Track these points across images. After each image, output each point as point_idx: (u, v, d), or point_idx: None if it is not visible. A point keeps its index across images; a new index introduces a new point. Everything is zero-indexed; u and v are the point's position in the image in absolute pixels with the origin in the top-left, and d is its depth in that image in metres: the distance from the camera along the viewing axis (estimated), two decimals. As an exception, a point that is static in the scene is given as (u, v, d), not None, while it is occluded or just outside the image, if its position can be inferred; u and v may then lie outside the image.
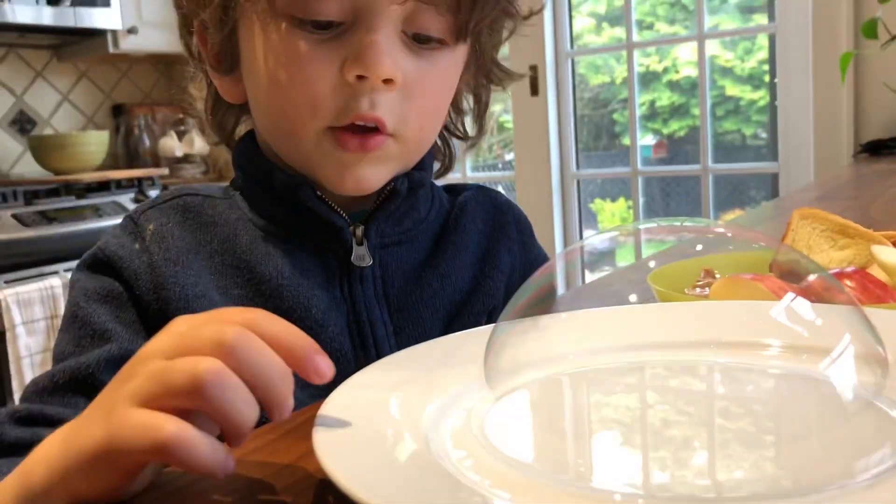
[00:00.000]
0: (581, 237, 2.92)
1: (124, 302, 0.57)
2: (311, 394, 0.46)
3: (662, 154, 3.23)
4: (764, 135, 2.97)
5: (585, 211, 3.00)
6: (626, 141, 2.75)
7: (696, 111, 2.57)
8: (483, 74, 0.67)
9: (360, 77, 0.53)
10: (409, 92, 0.56)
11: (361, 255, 0.61)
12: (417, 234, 0.65)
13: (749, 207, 2.93)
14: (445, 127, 0.70)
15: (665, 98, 3.23)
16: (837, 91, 2.15)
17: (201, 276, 0.58)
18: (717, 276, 0.63)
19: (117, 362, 0.52)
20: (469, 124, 0.71)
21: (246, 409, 0.32)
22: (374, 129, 0.56)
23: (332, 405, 0.38)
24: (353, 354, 0.58)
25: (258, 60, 0.56)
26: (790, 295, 0.43)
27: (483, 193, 0.72)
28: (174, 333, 0.35)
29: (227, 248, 0.60)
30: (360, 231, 0.61)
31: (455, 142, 0.72)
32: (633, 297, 0.62)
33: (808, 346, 0.42)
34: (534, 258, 0.72)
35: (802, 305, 0.43)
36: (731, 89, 3.18)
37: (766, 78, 2.87)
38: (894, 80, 1.74)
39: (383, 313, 0.61)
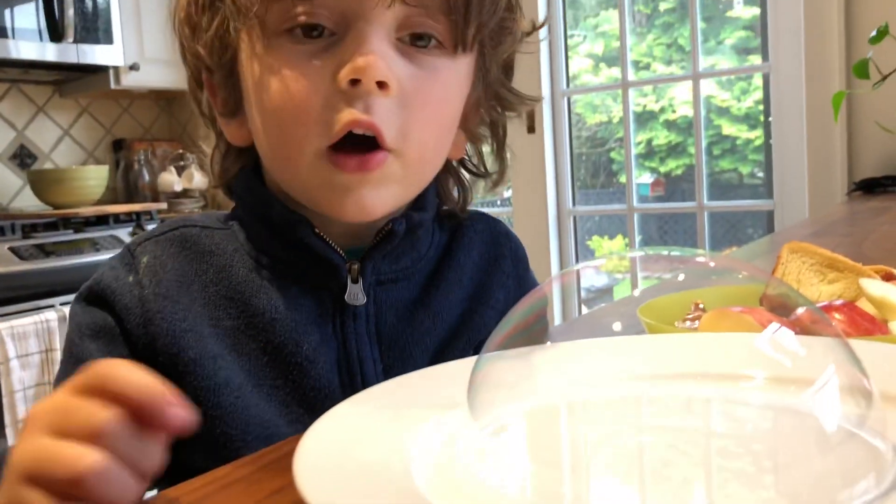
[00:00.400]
0: (578, 274, 2.91)
1: (115, 337, 0.57)
2: (298, 429, 0.45)
3: (660, 192, 3.24)
4: (760, 173, 2.99)
5: (583, 248, 3.01)
6: (624, 179, 2.77)
7: (692, 150, 2.59)
8: (492, 97, 0.64)
9: (353, 82, 0.52)
10: (407, 100, 0.54)
11: (355, 294, 0.60)
12: (415, 272, 0.64)
13: (745, 244, 2.94)
14: (462, 163, 0.69)
15: (662, 137, 3.26)
16: (831, 130, 2.17)
17: (191, 309, 0.57)
18: (707, 309, 0.63)
19: None
20: (488, 161, 0.69)
21: (126, 495, 0.34)
22: (373, 145, 0.54)
23: (314, 437, 0.38)
24: (342, 392, 0.58)
25: (255, 87, 0.56)
26: (774, 326, 0.43)
27: (483, 222, 0.71)
28: (56, 408, 0.36)
29: (222, 278, 0.60)
30: (355, 268, 0.60)
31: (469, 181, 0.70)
32: (621, 329, 0.62)
33: (793, 377, 0.42)
34: (527, 292, 0.72)
35: (789, 337, 0.43)
36: (728, 129, 3.21)
37: (762, 118, 2.90)
38: (886, 118, 1.75)
39: (374, 351, 0.60)
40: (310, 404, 0.57)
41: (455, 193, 0.69)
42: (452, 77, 0.58)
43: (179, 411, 0.35)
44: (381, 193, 0.56)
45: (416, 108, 0.55)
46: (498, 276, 0.69)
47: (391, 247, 0.61)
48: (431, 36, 0.55)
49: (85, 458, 0.33)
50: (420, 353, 0.61)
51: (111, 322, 0.57)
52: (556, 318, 2.67)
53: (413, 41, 0.55)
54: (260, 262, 0.61)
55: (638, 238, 2.81)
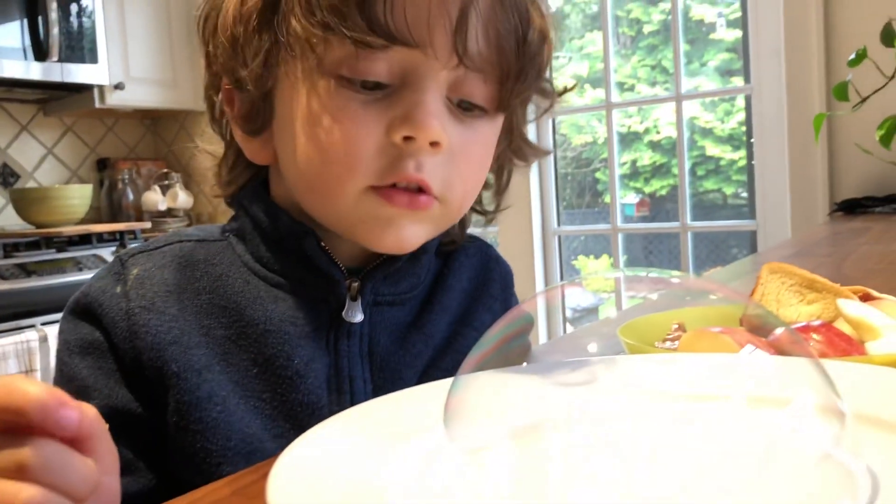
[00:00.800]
0: (564, 295, 2.92)
1: (104, 352, 0.57)
2: (282, 445, 0.45)
3: (645, 212, 3.27)
4: (744, 194, 3.02)
5: (568, 267, 3.02)
6: (608, 199, 2.79)
7: (677, 171, 2.61)
8: (512, 149, 0.67)
9: (406, 138, 0.53)
10: (453, 157, 0.56)
11: (353, 311, 0.60)
12: (412, 297, 0.64)
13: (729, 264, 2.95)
14: None
15: (647, 158, 3.29)
16: (812, 151, 2.19)
17: (179, 319, 0.57)
18: (688, 330, 0.64)
19: None
20: (486, 198, 0.71)
21: None
22: (418, 191, 0.56)
23: (288, 460, 0.37)
24: (329, 409, 0.58)
25: (298, 119, 0.56)
26: (749, 347, 0.43)
27: (475, 246, 0.72)
28: None
29: (216, 287, 0.59)
30: (355, 286, 0.60)
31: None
32: (601, 350, 0.62)
33: (768, 398, 0.42)
34: None
35: (765, 358, 0.44)
36: (712, 149, 3.24)
37: (745, 138, 2.93)
38: (866, 140, 1.77)
39: (365, 370, 0.60)
40: (296, 419, 0.56)
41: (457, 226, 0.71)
42: (491, 135, 0.61)
43: (69, 412, 0.34)
44: (419, 229, 0.58)
45: (460, 164, 0.57)
46: (485, 299, 0.69)
47: (393, 269, 0.62)
48: (478, 106, 0.58)
49: (20, 494, 0.33)
50: (411, 376, 0.61)
51: (99, 337, 0.57)
52: (542, 337, 2.67)
53: (459, 103, 0.57)
54: (257, 274, 0.60)
55: (623, 258, 2.82)
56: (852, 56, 1.68)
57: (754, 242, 2.47)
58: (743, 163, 3.07)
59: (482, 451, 0.41)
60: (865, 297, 0.62)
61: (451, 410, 0.41)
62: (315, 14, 0.52)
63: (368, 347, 0.60)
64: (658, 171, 3.28)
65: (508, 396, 0.45)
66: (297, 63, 0.54)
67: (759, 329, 0.54)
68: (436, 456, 0.39)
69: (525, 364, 0.50)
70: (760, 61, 2.33)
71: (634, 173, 3.30)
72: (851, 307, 0.57)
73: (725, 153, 3.21)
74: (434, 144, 0.54)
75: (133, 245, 2.53)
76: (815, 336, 0.55)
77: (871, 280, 0.98)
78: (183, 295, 0.58)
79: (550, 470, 0.39)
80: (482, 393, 0.43)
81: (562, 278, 2.92)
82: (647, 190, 3.32)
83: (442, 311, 0.65)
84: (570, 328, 3.01)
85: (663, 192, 3.25)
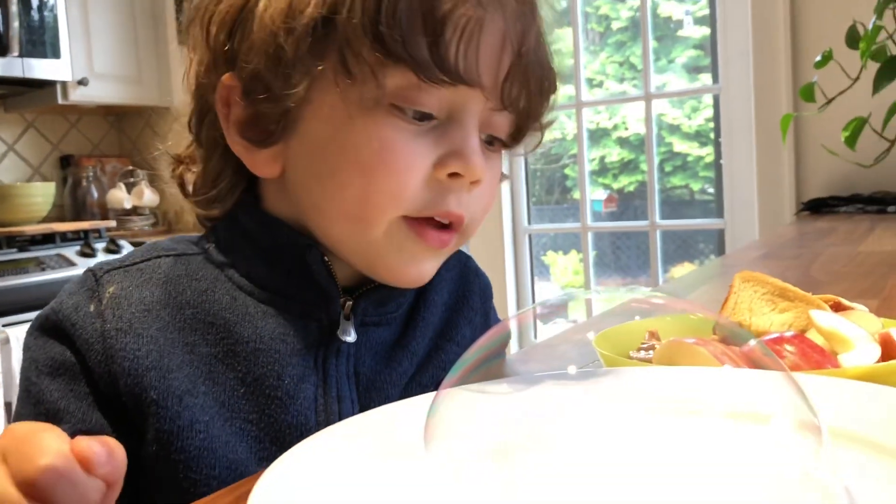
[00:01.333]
0: (533, 291, 2.94)
1: (77, 374, 0.54)
2: (266, 461, 0.44)
3: (613, 208, 3.28)
4: (711, 189, 3.05)
5: (538, 263, 3.03)
6: (578, 195, 2.80)
7: (645, 167, 2.63)
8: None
9: (452, 175, 0.54)
10: (482, 192, 0.57)
11: (347, 330, 0.59)
12: (396, 317, 0.63)
13: (697, 261, 2.99)
14: None
15: (615, 154, 3.30)
16: (779, 151, 2.22)
17: (159, 340, 0.54)
18: (662, 339, 0.64)
19: None
20: None
21: None
22: (449, 225, 0.57)
23: (268, 480, 0.37)
24: (317, 430, 0.56)
25: (337, 142, 0.54)
26: (727, 361, 0.43)
27: (455, 258, 0.70)
28: None
29: (202, 301, 0.57)
30: (349, 305, 0.59)
31: None
32: (577, 360, 0.62)
33: (747, 414, 0.42)
34: (492, 325, 0.72)
35: (742, 374, 0.44)
36: (679, 145, 3.26)
37: (712, 135, 2.96)
38: (831, 141, 1.80)
39: (352, 391, 0.59)
40: (283, 441, 0.54)
41: None
42: (502, 164, 0.63)
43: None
44: (437, 263, 0.60)
45: (485, 198, 0.59)
46: (466, 312, 0.68)
47: (386, 289, 0.60)
48: (501, 141, 0.60)
49: None
50: (397, 395, 0.60)
51: (71, 358, 0.54)
52: (514, 340, 2.68)
53: (486, 139, 0.58)
54: (243, 289, 0.58)
55: (592, 253, 2.84)
56: (818, 58, 1.70)
57: (722, 240, 2.50)
58: (710, 159, 3.10)
59: (465, 470, 0.40)
60: (837, 307, 0.63)
61: (433, 429, 0.41)
62: (382, 42, 0.50)
63: (355, 367, 0.59)
64: (626, 167, 3.30)
65: (490, 414, 0.45)
66: (355, 91, 0.52)
67: (732, 340, 0.54)
68: (419, 477, 0.39)
69: (504, 379, 0.49)
70: (729, 61, 2.35)
71: (603, 169, 3.32)
72: (824, 319, 0.57)
73: (692, 149, 3.24)
74: (474, 182, 0.55)
75: (98, 245, 2.49)
76: (788, 348, 0.55)
77: (840, 283, 0.99)
78: (164, 311, 0.56)
79: (533, 491, 0.38)
80: (464, 411, 0.42)
81: (532, 276, 2.93)
82: (616, 186, 3.34)
83: (425, 327, 0.64)
84: (540, 326, 3.03)
85: (631, 189, 3.28)
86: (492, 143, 0.59)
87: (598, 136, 3.22)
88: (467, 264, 0.72)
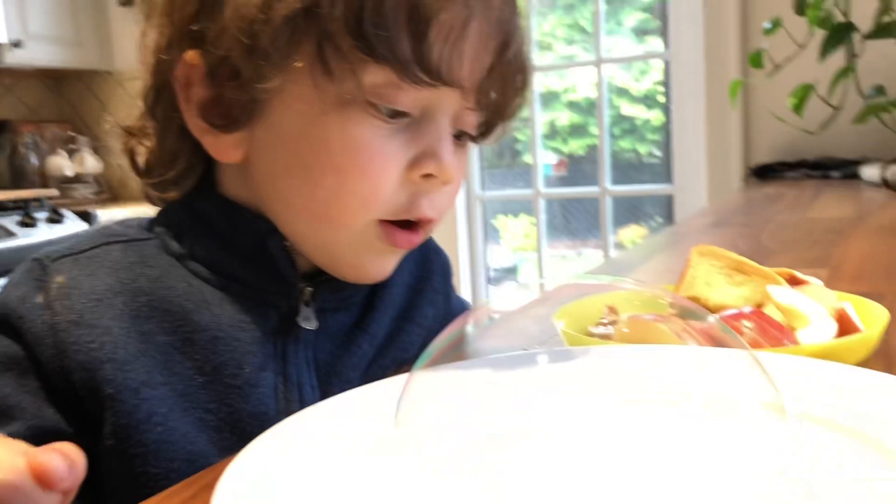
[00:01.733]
0: (485, 255, 2.95)
1: (27, 369, 0.51)
2: (226, 452, 0.43)
3: (563, 172, 3.30)
4: (658, 153, 3.08)
5: (490, 228, 3.04)
6: (529, 159, 2.81)
7: (594, 130, 2.65)
8: None
9: (426, 176, 0.53)
10: (450, 188, 0.56)
11: (308, 317, 0.57)
12: (356, 301, 0.62)
13: (645, 223, 3.03)
14: None
15: (565, 118, 3.31)
16: (728, 116, 2.25)
17: (112, 330, 0.52)
18: (621, 314, 0.64)
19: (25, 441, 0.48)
20: None
21: None
22: (417, 223, 0.56)
23: (236, 467, 0.36)
24: (278, 418, 0.55)
25: (308, 137, 0.52)
26: (688, 339, 0.43)
27: None
28: None
29: (157, 288, 0.55)
30: (308, 291, 0.58)
31: None
32: (538, 337, 0.62)
33: (707, 393, 0.43)
34: (453, 308, 0.71)
35: (706, 353, 0.44)
36: (627, 109, 3.28)
37: (661, 99, 2.98)
38: (778, 107, 1.82)
39: (312, 377, 0.58)
40: (243, 431, 0.53)
41: None
42: (467, 158, 0.62)
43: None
44: (399, 259, 0.59)
45: (453, 194, 0.58)
46: (428, 293, 0.68)
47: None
48: (470, 136, 0.58)
49: None
50: (358, 379, 0.59)
51: (20, 352, 0.51)
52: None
53: (456, 135, 0.57)
54: (198, 275, 0.56)
55: (543, 217, 2.87)
56: (768, 25, 1.72)
57: (671, 204, 2.54)
58: (658, 122, 3.13)
59: (436, 463, 0.40)
60: (793, 281, 0.64)
61: (403, 417, 0.41)
62: (365, 39, 0.48)
63: (314, 353, 0.58)
64: (576, 131, 3.31)
65: (462, 402, 0.44)
66: (332, 88, 0.50)
67: (690, 317, 0.55)
68: (390, 466, 0.38)
69: (473, 361, 0.49)
70: (679, 26, 2.36)
71: (553, 133, 3.32)
72: (781, 294, 0.58)
73: (641, 112, 3.27)
74: (450, 183, 0.54)
75: (39, 214, 2.41)
76: (747, 324, 0.56)
77: (791, 252, 1.01)
78: (116, 300, 0.53)
79: (511, 484, 0.38)
80: (435, 399, 0.42)
81: (485, 242, 2.94)
82: (566, 150, 3.35)
83: (385, 309, 0.63)
84: (491, 289, 3.04)
85: (581, 153, 3.29)
86: (460, 137, 0.57)
87: (548, 99, 3.21)
88: (427, 244, 0.71)
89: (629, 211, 3.03)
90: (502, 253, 3.30)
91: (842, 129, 1.73)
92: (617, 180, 2.72)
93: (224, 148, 0.55)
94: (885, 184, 1.64)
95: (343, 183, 0.52)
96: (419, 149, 0.53)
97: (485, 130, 0.59)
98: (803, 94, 1.66)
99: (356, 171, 0.52)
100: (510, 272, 3.36)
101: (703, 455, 0.40)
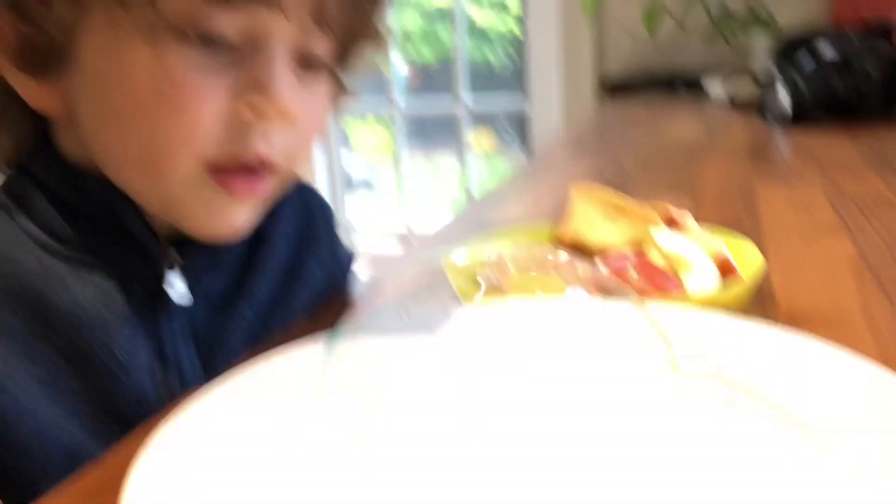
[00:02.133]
0: (339, 157, 2.93)
1: None
2: (109, 445, 0.40)
3: (417, 83, 3.26)
4: (510, 65, 3.10)
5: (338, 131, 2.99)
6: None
7: (445, 38, 2.63)
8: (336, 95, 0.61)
9: (255, 109, 0.47)
10: (300, 127, 0.50)
11: (174, 284, 0.53)
12: (230, 260, 0.58)
13: (498, 131, 3.07)
14: None
15: (414, 23, 3.26)
16: (582, 32, 2.27)
17: None
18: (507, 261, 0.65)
19: None
20: None
21: None
22: (259, 169, 0.49)
23: (150, 456, 0.34)
24: (158, 399, 0.51)
25: (117, 75, 0.46)
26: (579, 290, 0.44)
27: (297, 190, 0.63)
28: None
29: (4, 271, 0.49)
30: (172, 254, 0.53)
31: None
32: (431, 291, 0.62)
33: (608, 349, 0.44)
34: (340, 261, 0.69)
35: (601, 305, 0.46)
36: (479, 15, 3.26)
37: (515, 11, 2.99)
38: (632, 25, 1.86)
39: (190, 351, 0.54)
40: (122, 415, 0.49)
41: None
42: (328, 92, 0.55)
43: None
44: (253, 213, 0.52)
45: (305, 132, 0.51)
46: (313, 248, 0.65)
47: None
48: (322, 63, 0.52)
49: None
50: (242, 346, 0.56)
51: None
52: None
53: (303, 65, 0.50)
54: (49, 250, 0.50)
55: (402, 131, 2.85)
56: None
57: (524, 118, 2.59)
58: (509, 30, 3.13)
59: (364, 438, 0.39)
60: (671, 222, 0.66)
61: (325, 390, 0.39)
62: None
63: (190, 324, 0.54)
64: (427, 38, 3.26)
65: (381, 373, 0.43)
66: (123, 13, 0.44)
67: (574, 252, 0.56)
68: (317, 445, 0.37)
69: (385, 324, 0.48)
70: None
71: (403, 39, 3.26)
72: (665, 240, 0.60)
73: (492, 21, 3.25)
74: (285, 116, 0.48)
75: None
76: (633, 273, 0.58)
77: (651, 176, 1.05)
78: None
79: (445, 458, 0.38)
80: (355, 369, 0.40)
81: (338, 148, 2.90)
82: (418, 59, 3.30)
83: (266, 269, 0.60)
84: (348, 201, 3.02)
85: (434, 62, 3.25)
86: (312, 68, 0.52)
87: (395, 3, 3.13)
88: (309, 196, 0.68)
89: (484, 117, 3.05)
90: (355, 161, 3.26)
91: (689, 45, 1.79)
92: (469, 88, 2.74)
93: (39, 97, 0.49)
94: (732, 103, 1.73)
95: (156, 123, 0.47)
96: (243, 80, 0.47)
97: (341, 58, 0.54)
98: (652, 12, 1.71)
99: (167, 107, 0.46)
100: (365, 186, 3.34)
101: (602, 410, 0.40)
